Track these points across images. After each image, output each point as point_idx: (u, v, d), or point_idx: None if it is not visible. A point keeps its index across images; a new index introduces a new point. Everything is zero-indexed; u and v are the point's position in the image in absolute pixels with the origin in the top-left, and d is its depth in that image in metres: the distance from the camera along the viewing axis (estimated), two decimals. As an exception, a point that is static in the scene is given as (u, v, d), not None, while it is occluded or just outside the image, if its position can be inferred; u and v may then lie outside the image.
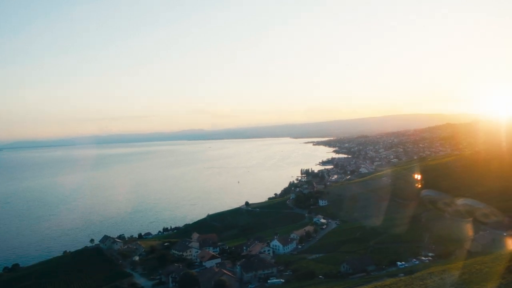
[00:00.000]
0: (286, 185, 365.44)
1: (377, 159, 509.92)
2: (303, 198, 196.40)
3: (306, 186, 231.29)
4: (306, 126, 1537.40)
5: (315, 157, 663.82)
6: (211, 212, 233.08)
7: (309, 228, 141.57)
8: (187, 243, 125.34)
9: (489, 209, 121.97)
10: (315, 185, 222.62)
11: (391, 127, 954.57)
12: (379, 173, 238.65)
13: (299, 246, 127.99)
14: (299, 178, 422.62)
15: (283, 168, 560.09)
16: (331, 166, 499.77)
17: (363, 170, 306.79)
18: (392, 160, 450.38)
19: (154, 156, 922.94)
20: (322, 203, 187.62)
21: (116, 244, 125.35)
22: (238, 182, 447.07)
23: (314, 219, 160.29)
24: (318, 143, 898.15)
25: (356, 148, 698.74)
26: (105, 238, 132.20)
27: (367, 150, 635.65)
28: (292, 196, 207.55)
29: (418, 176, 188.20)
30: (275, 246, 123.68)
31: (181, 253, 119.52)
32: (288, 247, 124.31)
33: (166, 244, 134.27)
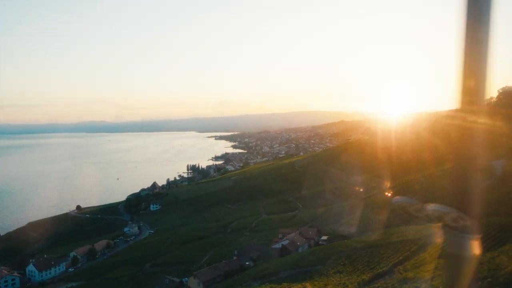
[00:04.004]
0: (165, 182, 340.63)
1: (269, 154, 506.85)
2: (134, 202, 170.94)
3: (145, 188, 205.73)
4: (213, 120, 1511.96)
5: (212, 151, 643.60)
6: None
7: (101, 243, 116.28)
8: None
9: (458, 214, 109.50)
10: (156, 186, 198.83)
11: (296, 123, 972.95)
12: (234, 172, 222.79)
13: (70, 269, 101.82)
14: (183, 174, 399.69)
15: (174, 163, 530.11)
16: (222, 162, 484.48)
17: (229, 167, 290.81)
18: (281, 156, 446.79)
19: (40, 150, 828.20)
20: (153, 207, 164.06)
21: None
22: (118, 179, 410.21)
23: (125, 229, 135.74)
24: (220, 138, 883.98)
25: (255, 143, 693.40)
26: None
27: (263, 145, 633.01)
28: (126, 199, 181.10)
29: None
30: (31, 272, 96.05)
31: None
32: (50, 272, 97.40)
33: None
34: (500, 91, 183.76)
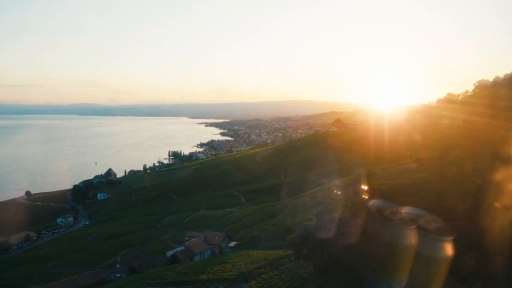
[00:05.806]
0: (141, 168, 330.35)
1: (256, 142, 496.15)
2: (82, 189, 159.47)
3: (101, 174, 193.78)
4: (207, 107, 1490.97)
5: (199, 138, 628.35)
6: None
7: (20, 235, 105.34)
8: None
9: (431, 217, 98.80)
10: (111, 173, 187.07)
11: (288, 111, 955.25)
12: (200, 161, 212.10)
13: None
14: (164, 160, 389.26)
15: (159, 148, 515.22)
16: (205, 149, 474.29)
17: (200, 155, 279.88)
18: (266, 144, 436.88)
19: (24, 131, 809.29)
20: (101, 196, 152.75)
21: None
22: (96, 163, 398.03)
23: (58, 219, 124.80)
24: (211, 124, 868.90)
25: (243, 131, 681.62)
26: None
27: (251, 133, 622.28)
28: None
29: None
30: None
31: None
32: None
33: None
34: (476, 84, 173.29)
